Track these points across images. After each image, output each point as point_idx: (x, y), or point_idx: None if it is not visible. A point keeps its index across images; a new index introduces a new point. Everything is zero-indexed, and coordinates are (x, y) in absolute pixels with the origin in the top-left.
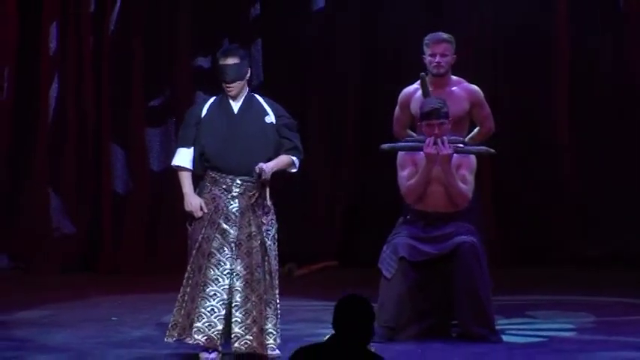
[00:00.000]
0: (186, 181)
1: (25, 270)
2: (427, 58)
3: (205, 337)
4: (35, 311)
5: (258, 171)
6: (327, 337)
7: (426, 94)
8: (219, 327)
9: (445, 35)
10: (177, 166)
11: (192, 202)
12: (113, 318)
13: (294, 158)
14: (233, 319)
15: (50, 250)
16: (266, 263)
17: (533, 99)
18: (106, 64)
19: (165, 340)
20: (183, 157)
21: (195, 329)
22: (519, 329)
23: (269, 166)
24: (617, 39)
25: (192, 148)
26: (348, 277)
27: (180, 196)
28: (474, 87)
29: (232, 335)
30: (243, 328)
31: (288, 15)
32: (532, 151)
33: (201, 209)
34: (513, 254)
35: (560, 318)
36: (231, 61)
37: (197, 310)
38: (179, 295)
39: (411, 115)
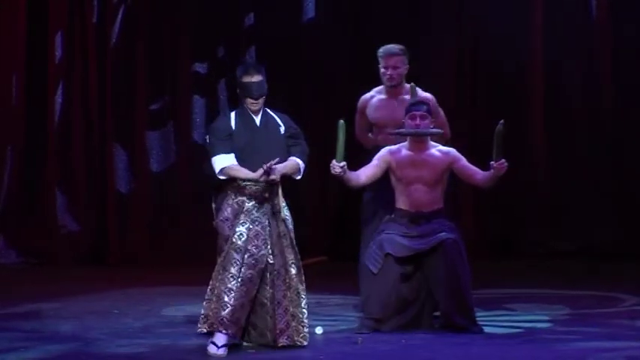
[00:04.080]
0: (241, 170)
1: (34, 265)
2: (381, 70)
3: (234, 330)
4: (43, 303)
5: (265, 168)
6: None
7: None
8: (243, 321)
9: (397, 49)
10: (225, 167)
11: (257, 174)
12: (115, 311)
13: (301, 163)
14: (276, 316)
15: (57, 246)
16: (295, 258)
17: (510, 106)
18: (108, 71)
19: (198, 331)
20: (226, 160)
21: (225, 322)
22: (498, 321)
23: (278, 168)
24: (587, 51)
25: (232, 154)
26: (336, 271)
27: (180, 194)
28: (427, 94)
29: (277, 330)
30: (284, 323)
31: (280, 24)
32: (508, 152)
33: (267, 171)
34: (490, 249)
35: (536, 310)
36: (257, 78)
37: (229, 304)
38: (208, 289)
39: (368, 120)
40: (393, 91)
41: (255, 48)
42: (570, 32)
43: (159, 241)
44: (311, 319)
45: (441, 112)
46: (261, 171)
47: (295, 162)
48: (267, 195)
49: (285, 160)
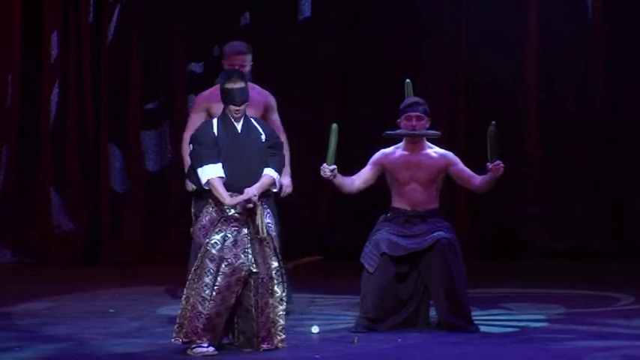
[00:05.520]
0: (221, 191)
1: (29, 265)
2: (226, 67)
3: (210, 337)
4: (37, 303)
5: (243, 205)
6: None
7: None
8: (222, 329)
9: (244, 47)
10: (210, 180)
11: (233, 201)
12: (111, 310)
13: (275, 176)
14: (259, 323)
15: (52, 246)
16: (279, 265)
17: (505, 108)
18: (104, 70)
19: (173, 341)
20: (213, 171)
21: (199, 332)
22: (494, 320)
23: (256, 192)
24: (582, 53)
25: (219, 164)
26: (332, 270)
27: (175, 194)
28: (267, 92)
29: (260, 337)
30: (266, 330)
31: (276, 23)
32: (503, 154)
33: (249, 201)
34: (485, 248)
35: (531, 309)
36: (240, 85)
37: (203, 314)
38: (183, 297)
39: (205, 119)
40: None
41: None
42: (565, 34)
43: (154, 241)
44: (307, 317)
45: (277, 114)
46: (239, 199)
47: (270, 177)
48: (247, 208)
49: (263, 168)
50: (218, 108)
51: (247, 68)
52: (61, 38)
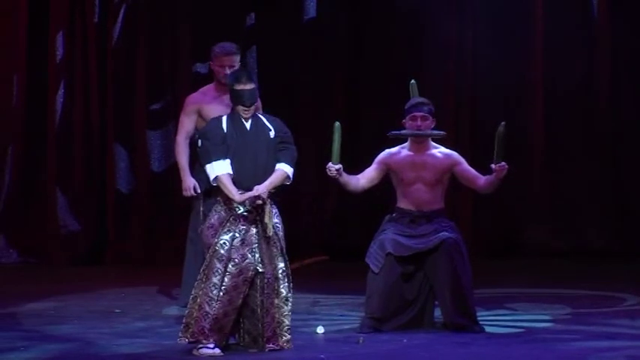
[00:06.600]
0: (229, 186)
1: (34, 265)
2: (215, 67)
3: (216, 338)
4: (43, 303)
5: (252, 200)
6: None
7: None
8: (229, 329)
9: (234, 47)
10: (218, 176)
11: (241, 198)
12: (116, 310)
13: (288, 170)
14: (265, 323)
15: (58, 246)
16: (285, 265)
17: (509, 107)
18: (109, 70)
19: (179, 340)
20: (222, 167)
21: (206, 332)
22: (499, 320)
23: (265, 190)
24: (587, 58)
25: (227, 160)
26: (336, 270)
27: (181, 194)
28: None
29: (265, 338)
30: (271, 331)
31: (281, 23)
32: (507, 154)
33: (258, 198)
34: (490, 248)
35: (537, 310)
36: (249, 86)
37: (210, 314)
38: (190, 297)
39: (195, 123)
40: (226, 89)
41: (256, 48)
42: (571, 34)
43: (160, 241)
44: (313, 317)
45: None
46: (248, 195)
47: (282, 172)
48: (255, 204)
49: (273, 165)
50: (210, 109)
51: (237, 68)
52: (66, 39)
